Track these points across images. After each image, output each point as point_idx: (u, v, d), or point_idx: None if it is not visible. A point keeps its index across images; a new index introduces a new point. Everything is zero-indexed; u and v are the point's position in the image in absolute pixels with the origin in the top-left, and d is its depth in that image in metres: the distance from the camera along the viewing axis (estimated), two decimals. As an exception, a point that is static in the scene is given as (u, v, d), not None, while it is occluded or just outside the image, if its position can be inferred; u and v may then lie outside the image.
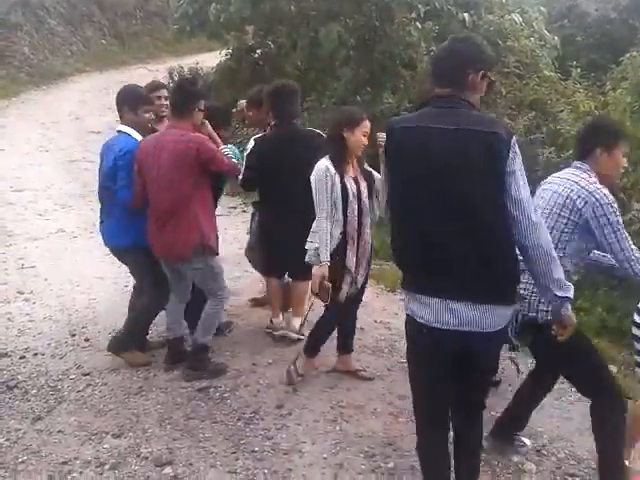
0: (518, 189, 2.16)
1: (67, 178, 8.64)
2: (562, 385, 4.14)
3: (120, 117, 4.06)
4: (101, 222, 4.15)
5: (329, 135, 3.80)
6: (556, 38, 9.32)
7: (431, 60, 2.48)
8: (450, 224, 2.21)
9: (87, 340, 4.50)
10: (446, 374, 2.44)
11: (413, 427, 3.47)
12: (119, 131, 4.02)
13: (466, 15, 8.40)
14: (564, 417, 3.75)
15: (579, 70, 8.17)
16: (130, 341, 4.15)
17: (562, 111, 6.59)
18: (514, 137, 2.17)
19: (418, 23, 8.31)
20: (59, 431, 3.41)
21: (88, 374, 4.03)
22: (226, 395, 3.80)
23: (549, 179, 3.02)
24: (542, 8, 9.94)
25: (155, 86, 4.54)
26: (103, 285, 5.40)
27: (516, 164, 2.16)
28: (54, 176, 8.72)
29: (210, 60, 15.45)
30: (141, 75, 17.73)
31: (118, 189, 3.85)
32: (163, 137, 3.83)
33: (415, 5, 7.98)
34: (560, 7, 16.38)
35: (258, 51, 12.24)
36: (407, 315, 2.47)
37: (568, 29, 14.42)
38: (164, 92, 4.48)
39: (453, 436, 2.64)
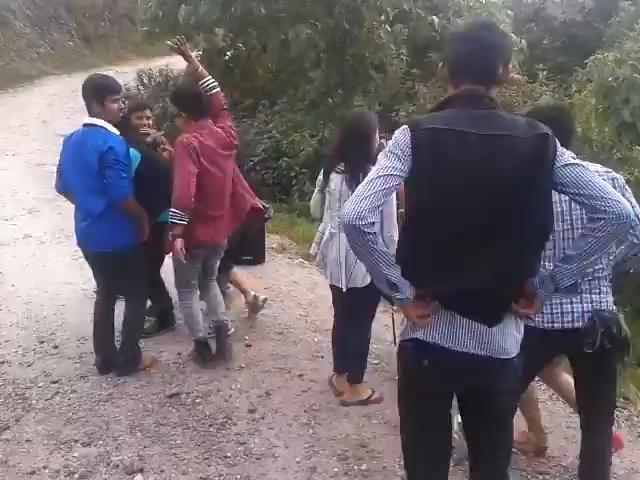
0: (582, 172, 1.90)
1: (34, 182, 8.47)
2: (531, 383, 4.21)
3: (88, 111, 3.77)
4: (86, 226, 3.82)
5: (366, 142, 3.45)
6: (523, 41, 9.44)
7: (451, 51, 2.10)
8: (489, 235, 1.93)
9: (56, 347, 4.42)
10: (448, 409, 2.19)
11: (386, 428, 3.55)
12: (88, 124, 3.74)
13: (435, 18, 8.47)
14: (534, 415, 3.80)
15: (546, 73, 8.31)
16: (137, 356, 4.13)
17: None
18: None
19: (387, 26, 8.34)
20: (27, 440, 3.35)
21: (57, 382, 3.95)
22: (198, 401, 3.77)
23: None
24: (509, 12, 10.07)
25: (140, 106, 4.53)
26: (71, 291, 5.31)
27: (568, 157, 1.93)
28: (21, 180, 8.56)
29: (180, 62, 15.23)
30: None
31: (114, 187, 3.67)
32: (213, 131, 3.93)
33: (384, 8, 8.02)
34: (527, 11, 16.68)
35: (228, 53, 12.20)
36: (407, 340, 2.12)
37: (535, 32, 14.69)
38: (147, 112, 4.44)
39: None
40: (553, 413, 3.84)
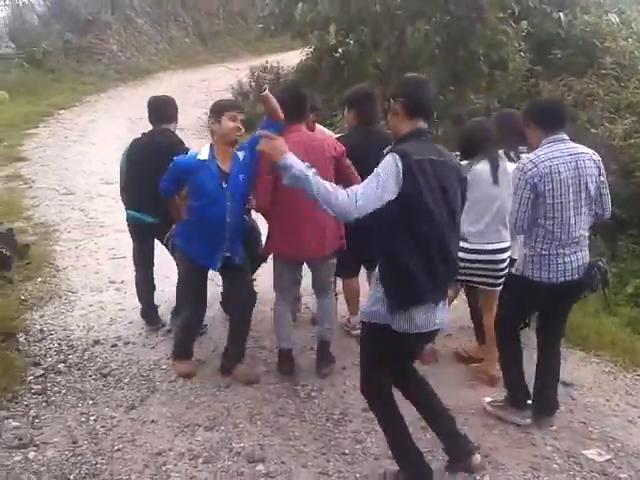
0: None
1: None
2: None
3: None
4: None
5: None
6: (656, 39, 8.85)
7: (409, 94, 2.71)
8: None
9: (170, 331, 4.55)
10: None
11: (508, 439, 3.40)
12: None
13: (561, 14, 8.09)
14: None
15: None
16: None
17: (665, 115, 6.25)
18: None
19: (512, 22, 8.05)
20: (152, 421, 3.47)
21: (178, 365, 4.08)
22: (313, 394, 3.78)
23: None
24: (640, 8, 9.47)
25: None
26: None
27: None
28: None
29: (290, 59, 15.57)
30: (222, 73, 18.13)
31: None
32: (304, 136, 3.77)
33: (509, 4, 7.74)
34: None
35: (339, 50, 12.20)
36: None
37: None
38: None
39: None
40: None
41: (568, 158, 3.25)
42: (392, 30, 10.35)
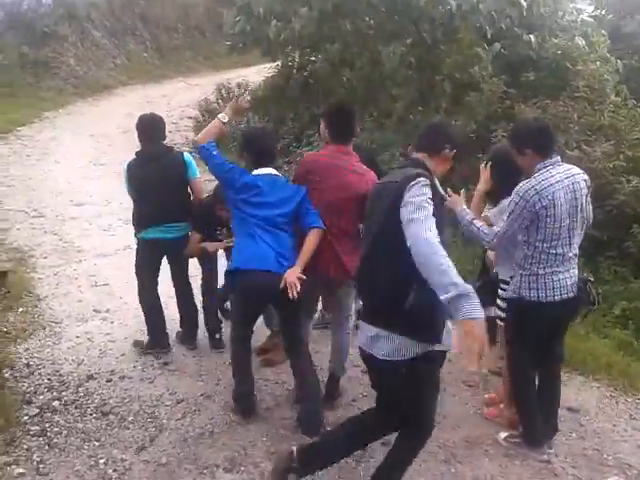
0: None
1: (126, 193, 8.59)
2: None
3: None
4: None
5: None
6: (619, 62, 9.11)
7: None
8: None
9: (173, 363, 4.44)
10: None
11: (530, 471, 3.38)
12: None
13: (532, 37, 8.28)
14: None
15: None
16: None
17: (640, 138, 6.42)
18: None
19: (485, 44, 8.19)
20: (167, 463, 3.31)
21: (183, 400, 3.94)
22: (329, 429, 3.68)
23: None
24: (603, 32, 9.75)
25: None
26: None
27: None
28: (113, 190, 8.61)
29: (251, 76, 15.53)
30: (182, 89, 17.92)
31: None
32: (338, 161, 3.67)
33: (483, 27, 7.88)
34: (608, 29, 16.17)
35: (307, 68, 12.22)
36: None
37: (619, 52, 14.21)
38: None
39: None
40: None
41: (566, 182, 3.29)
42: (363, 50, 10.42)
